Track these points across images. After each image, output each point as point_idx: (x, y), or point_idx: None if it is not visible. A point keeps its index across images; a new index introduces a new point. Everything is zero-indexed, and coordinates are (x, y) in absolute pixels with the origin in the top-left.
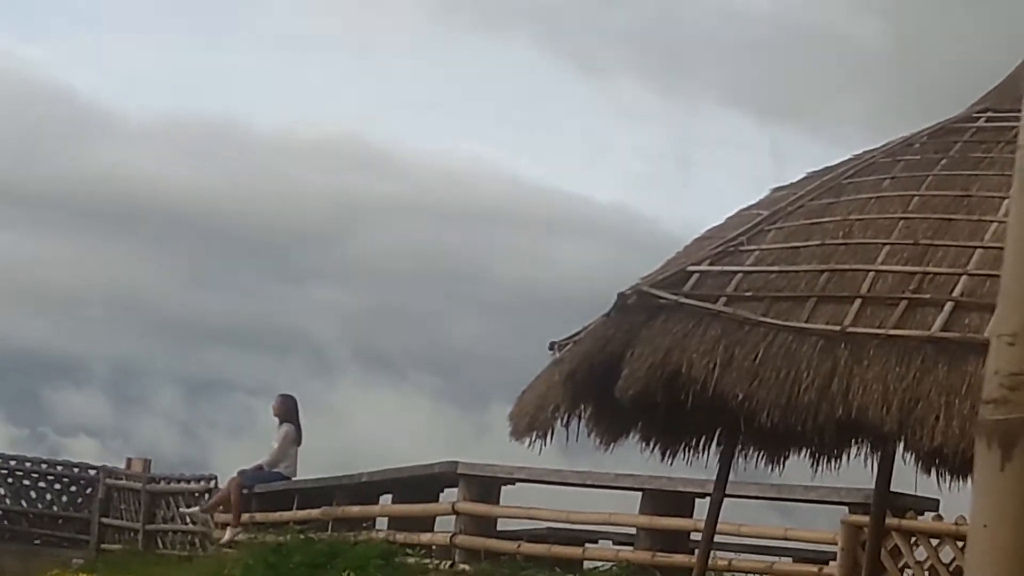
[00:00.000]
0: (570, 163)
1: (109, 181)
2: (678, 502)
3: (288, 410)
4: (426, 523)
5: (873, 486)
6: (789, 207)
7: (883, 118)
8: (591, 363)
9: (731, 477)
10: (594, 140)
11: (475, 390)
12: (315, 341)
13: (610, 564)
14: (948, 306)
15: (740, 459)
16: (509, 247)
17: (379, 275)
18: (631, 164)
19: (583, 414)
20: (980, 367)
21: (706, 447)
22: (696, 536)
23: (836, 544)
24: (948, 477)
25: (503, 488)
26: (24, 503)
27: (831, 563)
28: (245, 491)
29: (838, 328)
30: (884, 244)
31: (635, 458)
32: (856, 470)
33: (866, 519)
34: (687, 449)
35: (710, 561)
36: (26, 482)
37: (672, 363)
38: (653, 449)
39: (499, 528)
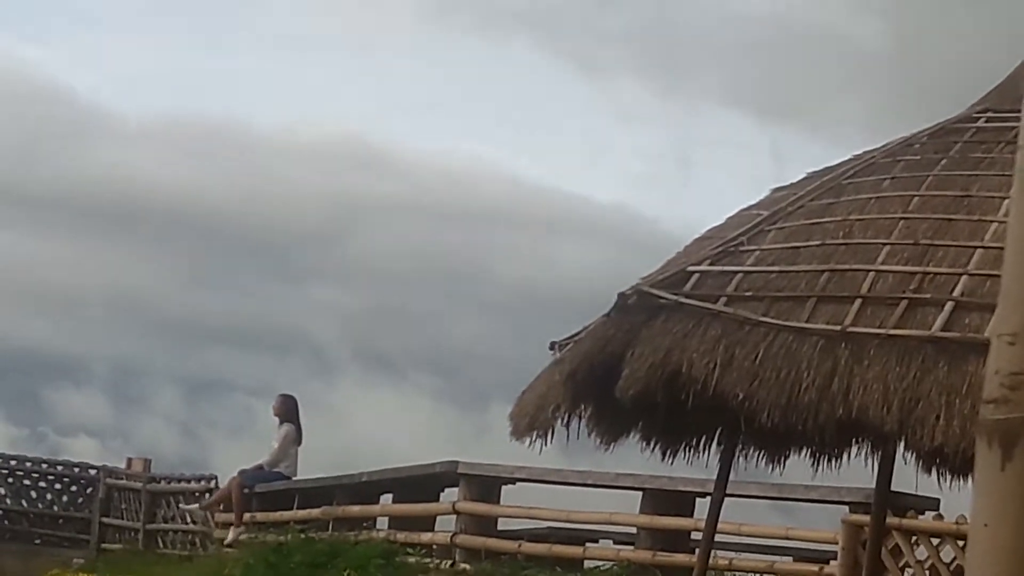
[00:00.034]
0: (570, 163)
1: (109, 181)
2: (679, 502)
3: (288, 410)
4: (427, 523)
5: (874, 485)
6: (789, 207)
7: (883, 118)
8: (591, 363)
9: (732, 476)
10: (594, 140)
11: (475, 390)
12: (315, 341)
13: (611, 564)
14: (948, 306)
15: (741, 458)
16: (509, 247)
17: (379, 275)
18: (631, 164)
19: (583, 414)
20: (980, 367)
21: (707, 447)
22: (697, 536)
23: (837, 543)
24: (949, 476)
25: (504, 488)
26: (24, 503)
27: (832, 562)
28: (246, 491)
29: (838, 328)
30: (884, 244)
31: (635, 458)
32: (857, 469)
33: (867, 518)
34: (688, 449)
35: (711, 560)
36: (26, 482)
37: (672, 363)
38: (654, 449)
39: (500, 528)
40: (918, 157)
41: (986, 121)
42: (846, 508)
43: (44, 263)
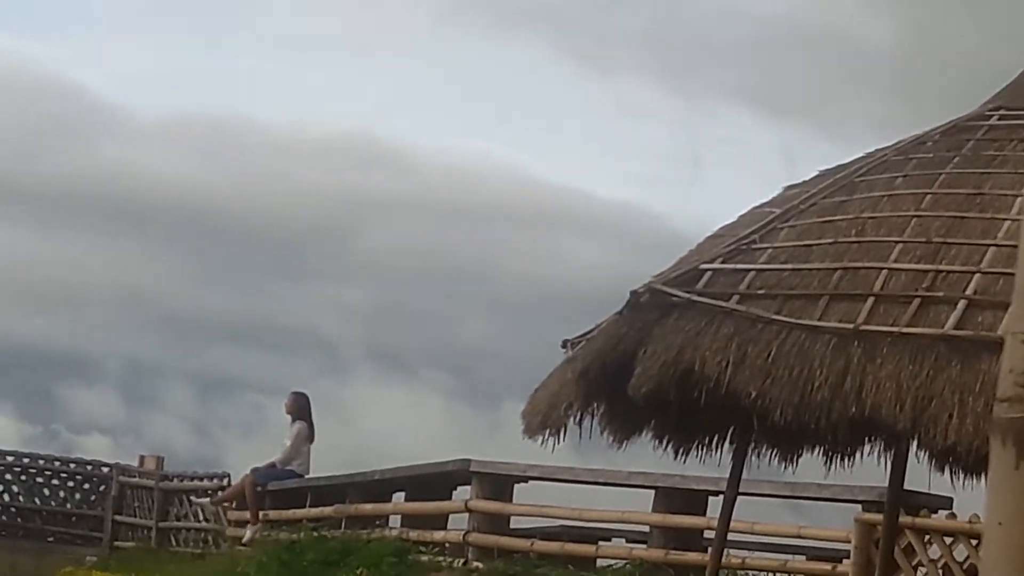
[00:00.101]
0: (578, 161)
1: (118, 179)
2: (691, 500)
3: (300, 408)
4: (439, 521)
5: (887, 484)
6: (801, 205)
7: (892, 116)
8: (604, 361)
9: (744, 475)
10: (601, 138)
11: (487, 388)
12: (327, 339)
13: (623, 562)
14: (961, 304)
15: (753, 457)
16: (517, 244)
17: (388, 272)
18: (639, 162)
19: (596, 412)
20: (994, 365)
21: (719, 445)
22: (709, 534)
23: (849, 542)
24: (962, 475)
25: (516, 486)
26: (37, 501)
27: (844, 561)
28: (258, 489)
29: (851, 326)
30: (897, 242)
31: (648, 456)
32: (869, 468)
33: (879, 517)
34: (700, 447)
35: (723, 559)
36: (39, 480)
37: (685, 361)
38: (666, 447)
39: (512, 526)
40: (930, 155)
41: (999, 119)
42: (859, 507)
43: (54, 261)
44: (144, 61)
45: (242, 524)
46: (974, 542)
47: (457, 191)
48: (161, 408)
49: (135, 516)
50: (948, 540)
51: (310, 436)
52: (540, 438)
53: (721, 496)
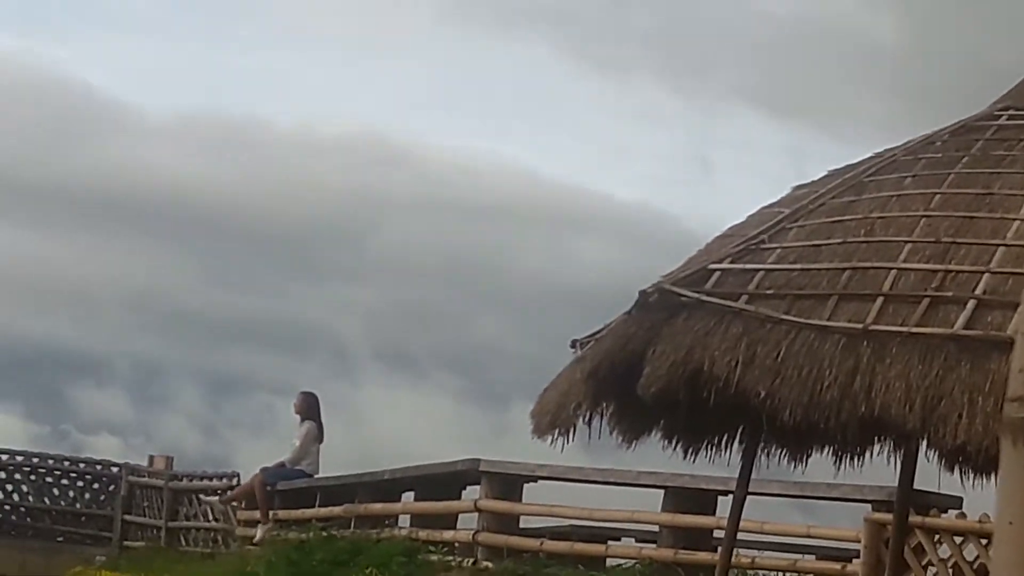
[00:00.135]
0: (589, 161)
1: (130, 178)
2: (701, 500)
3: (310, 407)
4: (448, 520)
5: (896, 484)
6: (811, 205)
7: (902, 116)
8: (613, 361)
9: (754, 475)
10: (613, 139)
11: (497, 388)
12: (336, 339)
13: (633, 562)
14: (971, 304)
15: (763, 457)
16: (528, 245)
17: (399, 272)
18: (650, 162)
19: (605, 412)
20: (1003, 365)
21: (728, 445)
22: (719, 534)
23: (859, 542)
24: (971, 475)
25: (525, 485)
26: (47, 500)
27: (854, 561)
28: (268, 488)
29: (860, 326)
30: (906, 242)
31: (657, 455)
32: (879, 468)
33: (889, 517)
34: (709, 447)
35: (733, 559)
36: (49, 479)
37: (694, 361)
38: (675, 447)
39: (521, 525)
40: (939, 155)
41: (1008, 119)
42: (868, 506)
43: (64, 260)
44: (154, 60)
45: (251, 524)
46: (984, 542)
47: (467, 191)
48: (171, 408)
49: (144, 516)
50: (958, 540)
51: (319, 436)
52: (549, 438)
53: (731, 496)
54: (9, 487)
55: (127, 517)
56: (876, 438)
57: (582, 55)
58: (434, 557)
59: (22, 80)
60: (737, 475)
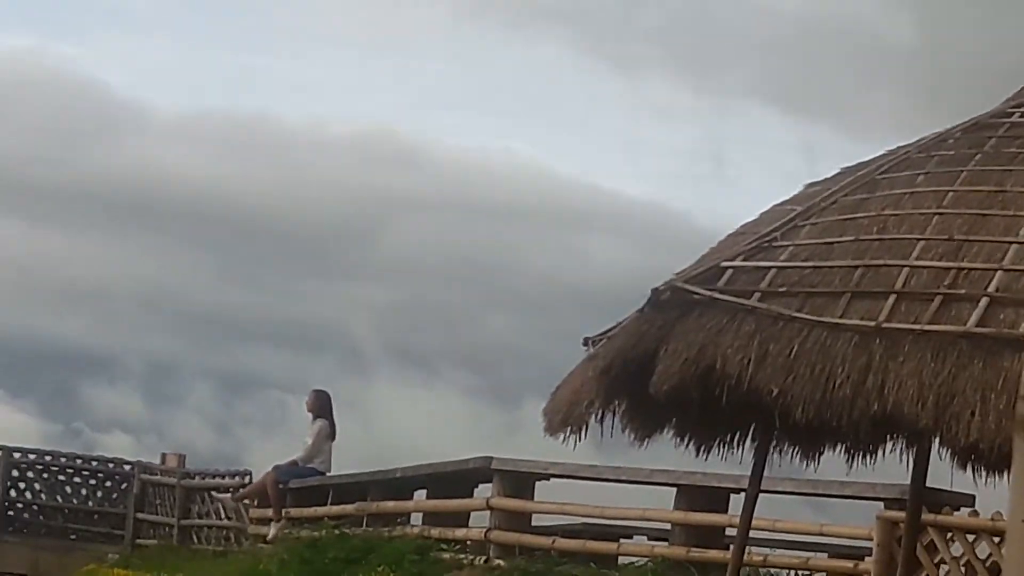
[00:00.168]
0: (602, 159)
1: (143, 177)
2: (713, 498)
3: (322, 405)
4: (461, 518)
5: (909, 481)
6: (823, 203)
7: (913, 113)
8: (625, 359)
9: (766, 473)
10: (626, 137)
11: (509, 386)
12: (349, 337)
13: (645, 560)
14: (983, 301)
15: (775, 455)
16: (542, 242)
17: (412, 271)
18: (663, 160)
19: (617, 409)
20: (1016, 362)
21: (741, 443)
22: (731, 532)
23: (872, 540)
24: (984, 472)
25: (537, 483)
26: (60, 498)
27: (867, 559)
28: (280, 486)
29: (873, 324)
30: (918, 240)
31: (669, 453)
32: (891, 465)
33: (902, 515)
34: (722, 444)
35: (745, 557)
36: (61, 477)
37: (706, 359)
38: (688, 444)
39: (533, 523)
40: (952, 152)
41: (1021, 116)
42: (881, 504)
43: (77, 258)
44: (169, 59)
45: (264, 522)
46: (997, 540)
47: (480, 189)
48: (183, 406)
49: (157, 514)
50: (970, 538)
51: (331, 434)
52: (562, 436)
53: (743, 494)
54: (22, 485)
55: (139, 515)
56: (888, 436)
57: (596, 54)
58: (446, 555)
59: (38, 79)
60: (749, 473)
